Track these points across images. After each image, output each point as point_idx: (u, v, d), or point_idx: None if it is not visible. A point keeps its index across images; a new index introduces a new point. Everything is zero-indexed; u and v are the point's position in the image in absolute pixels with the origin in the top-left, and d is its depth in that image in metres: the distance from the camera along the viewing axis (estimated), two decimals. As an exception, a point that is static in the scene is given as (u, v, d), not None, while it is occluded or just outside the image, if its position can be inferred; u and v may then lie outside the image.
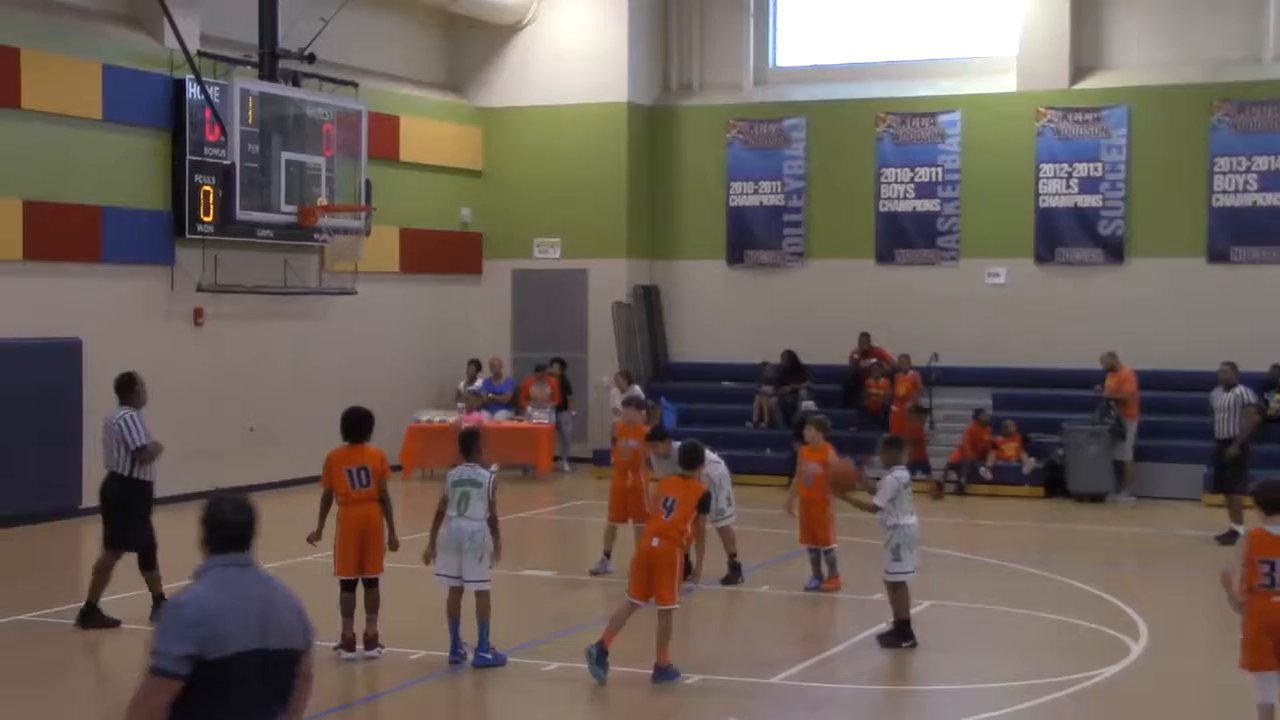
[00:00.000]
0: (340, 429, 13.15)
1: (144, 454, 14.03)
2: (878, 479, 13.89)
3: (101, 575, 13.95)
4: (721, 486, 16.25)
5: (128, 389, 14.41)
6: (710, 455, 15.23)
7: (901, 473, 13.68)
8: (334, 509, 12.94)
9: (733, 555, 16.61)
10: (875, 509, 13.53)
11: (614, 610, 12.71)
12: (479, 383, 27.17)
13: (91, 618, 13.87)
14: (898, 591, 13.56)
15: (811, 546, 16.27)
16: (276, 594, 5.95)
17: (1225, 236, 26.06)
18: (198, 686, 5.59)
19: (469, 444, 12.99)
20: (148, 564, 14.00)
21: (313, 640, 5.95)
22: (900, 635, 13.59)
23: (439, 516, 12.68)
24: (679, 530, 12.45)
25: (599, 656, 12.09)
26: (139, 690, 5.51)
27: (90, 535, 14.43)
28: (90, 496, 16.15)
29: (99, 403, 20.35)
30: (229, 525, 5.88)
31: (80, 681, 13.24)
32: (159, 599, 13.47)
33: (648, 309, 29.17)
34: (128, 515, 13.98)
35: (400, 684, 12.53)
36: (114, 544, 13.99)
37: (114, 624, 13.94)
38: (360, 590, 12.89)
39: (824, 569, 16.27)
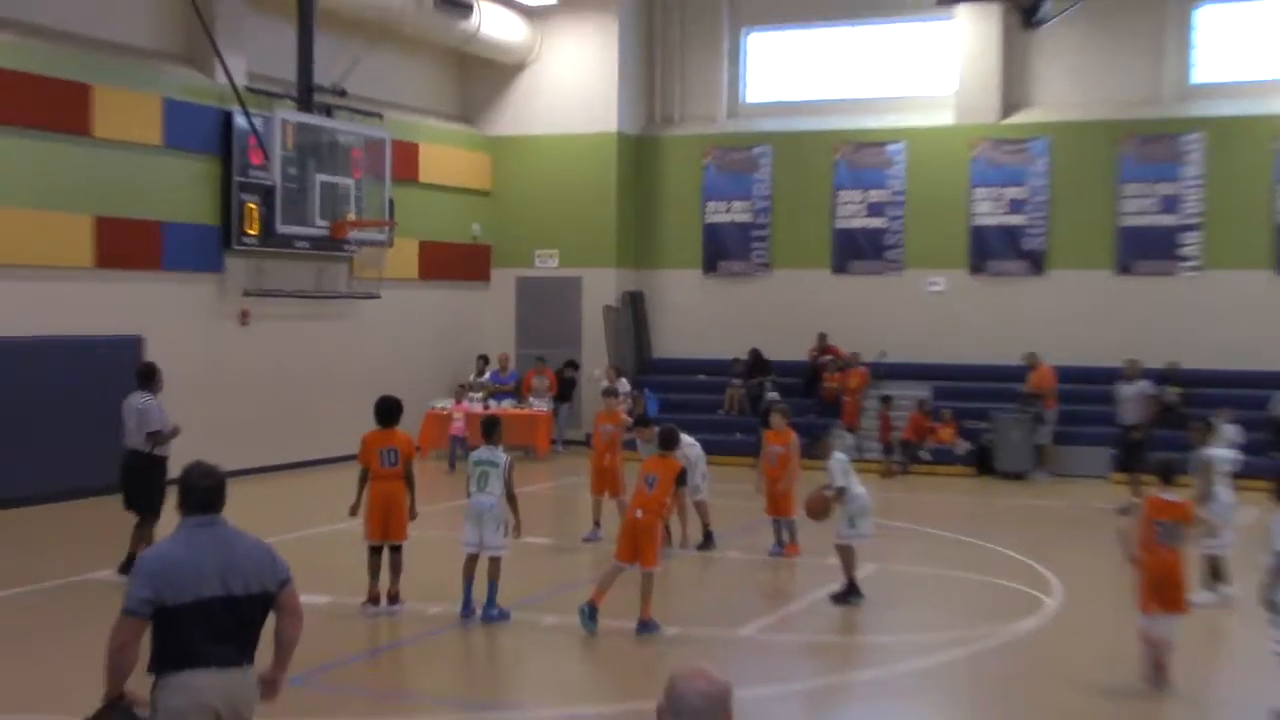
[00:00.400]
0: (374, 414, 13.21)
1: (158, 437, 14.01)
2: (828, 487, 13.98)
3: (143, 536, 13.81)
4: (697, 465, 16.32)
5: (149, 377, 14.44)
6: (686, 438, 15.32)
7: (840, 455, 13.88)
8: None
9: (706, 525, 16.68)
10: (840, 491, 13.62)
11: (603, 572, 12.76)
12: (486, 375, 27.21)
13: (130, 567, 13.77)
14: (846, 554, 13.65)
15: (775, 518, 16.35)
16: (240, 547, 6.09)
17: (1130, 252, 26.14)
18: (168, 627, 5.83)
19: (490, 429, 13.17)
20: (143, 525, 13.94)
21: (285, 580, 6.13)
22: (850, 593, 13.70)
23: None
24: (660, 503, 12.52)
25: (590, 613, 12.16)
26: (113, 627, 5.78)
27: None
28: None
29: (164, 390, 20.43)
30: (194, 491, 6.09)
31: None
32: (132, 558, 13.19)
33: (634, 312, 29.16)
34: (149, 484, 13.95)
35: (418, 635, 12.57)
36: (138, 508, 13.93)
37: None
38: (385, 554, 12.96)
39: (785, 537, 16.33)
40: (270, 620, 6.19)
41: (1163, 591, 10.71)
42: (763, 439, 16.95)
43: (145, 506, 13.90)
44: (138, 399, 14.14)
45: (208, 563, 5.92)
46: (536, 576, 14.69)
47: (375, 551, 12.98)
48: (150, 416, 13.97)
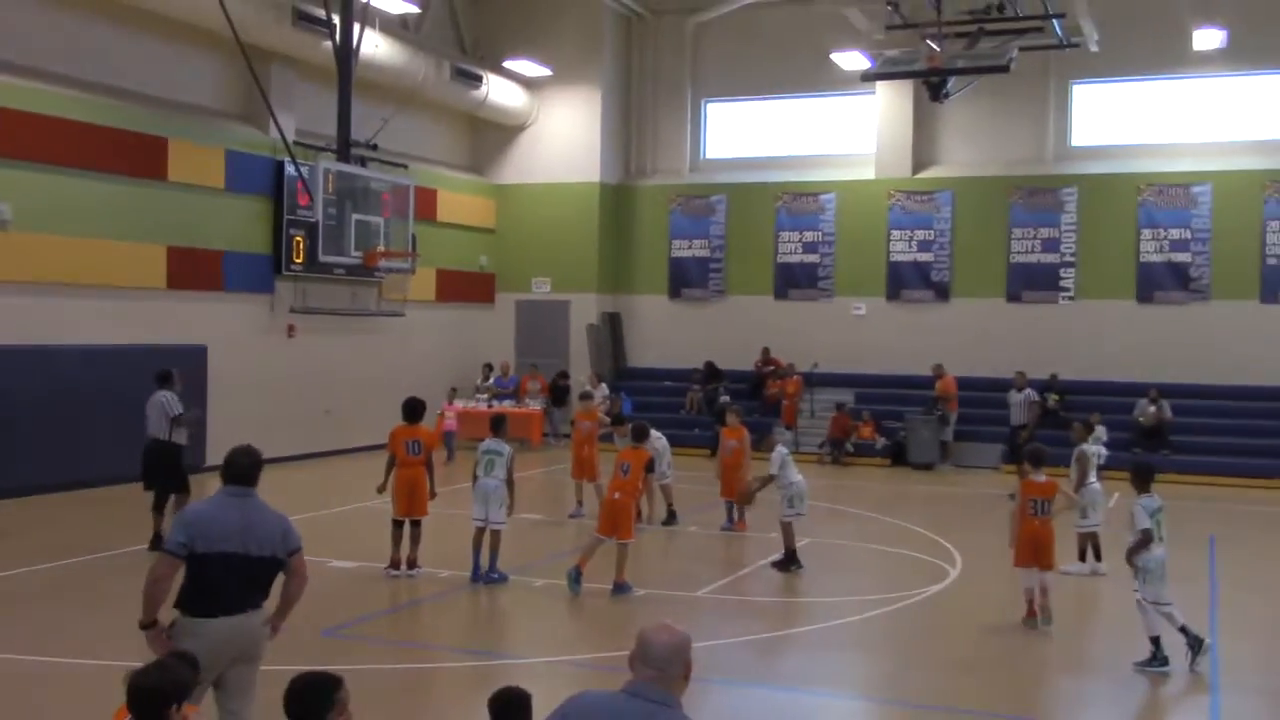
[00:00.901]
0: (402, 411, 13.22)
1: (181, 420, 13.92)
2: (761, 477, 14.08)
3: (163, 510, 13.68)
4: (664, 455, 16.30)
5: (168, 378, 14.17)
6: (655, 433, 15.28)
7: (782, 448, 14.05)
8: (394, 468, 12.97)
9: (670, 504, 16.61)
10: (770, 478, 13.67)
11: (585, 543, 12.71)
12: (491, 379, 27.15)
13: (159, 543, 13.08)
14: (786, 530, 13.65)
15: (727, 499, 16.31)
16: (260, 516, 6.25)
17: (1018, 284, 26.22)
18: (195, 570, 6.05)
19: (498, 425, 13.27)
20: (159, 507, 13.73)
21: (295, 549, 6.25)
22: (789, 562, 13.66)
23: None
24: (633, 486, 12.51)
25: (575, 576, 12.13)
26: (152, 564, 6.12)
27: (199, 487, 14.18)
28: (214, 457, 15.88)
29: (221, 391, 20.33)
30: (233, 466, 6.35)
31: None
32: (159, 536, 13.14)
33: (612, 329, 29.13)
34: (170, 466, 13.75)
35: (432, 595, 12.46)
36: (155, 486, 13.73)
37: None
38: (406, 528, 12.89)
39: (735, 515, 16.30)
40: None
41: (1034, 552, 11.31)
42: (720, 435, 16.93)
43: (169, 486, 13.67)
44: (159, 396, 13.97)
45: (232, 524, 6.11)
46: (530, 547, 14.62)
47: (398, 525, 12.96)
48: (171, 406, 13.86)
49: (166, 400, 13.90)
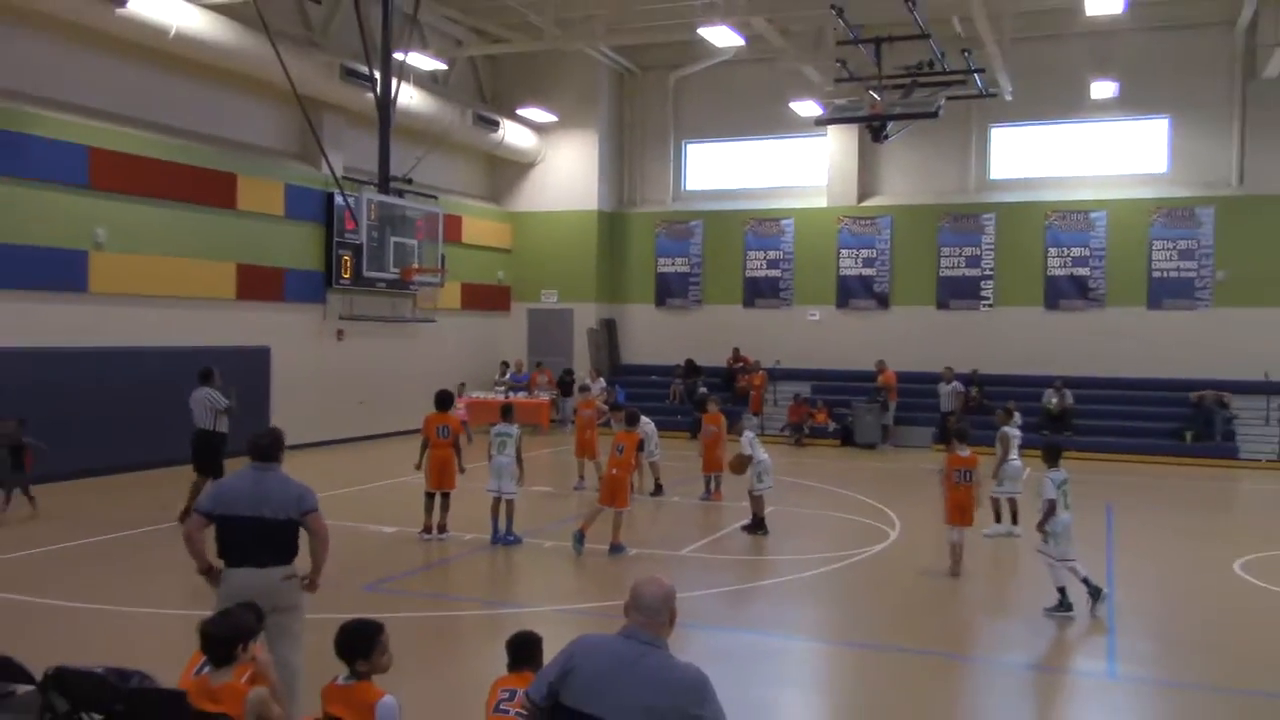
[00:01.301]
0: (434, 401, 13.28)
1: (230, 411, 13.51)
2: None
3: (196, 491, 13.06)
4: (652, 437, 16.25)
5: (209, 376, 13.67)
6: (644, 419, 15.25)
7: (749, 432, 14.03)
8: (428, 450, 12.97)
9: (658, 479, 16.59)
10: (750, 458, 13.62)
11: (588, 511, 12.69)
12: (508, 375, 27.07)
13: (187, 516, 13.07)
14: (756, 500, 13.63)
15: (706, 474, 16.30)
16: (275, 485, 6.21)
17: (946, 294, 26.23)
18: (220, 531, 6.12)
19: (506, 411, 13.27)
20: (200, 488, 13.09)
21: (308, 510, 6.16)
22: (757, 527, 13.65)
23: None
24: (627, 464, 12.50)
25: (579, 538, 12.12)
26: (187, 522, 6.23)
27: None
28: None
29: (282, 386, 20.27)
30: (257, 445, 6.33)
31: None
32: (188, 509, 12.58)
33: (608, 332, 29.07)
34: (214, 454, 13.31)
35: (457, 554, 12.43)
36: (205, 472, 13.23)
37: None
38: (437, 499, 12.87)
39: (712, 487, 16.29)
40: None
41: (960, 513, 11.62)
42: (701, 420, 16.90)
43: (209, 470, 13.23)
44: (201, 392, 13.48)
45: (247, 493, 6.12)
46: (540, 514, 14.58)
47: (430, 497, 12.96)
48: (217, 400, 13.47)
49: (210, 395, 13.50)
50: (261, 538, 6.05)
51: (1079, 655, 9.18)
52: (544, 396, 25.91)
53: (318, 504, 6.26)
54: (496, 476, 12.70)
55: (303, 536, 6.24)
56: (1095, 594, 9.89)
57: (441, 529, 12.91)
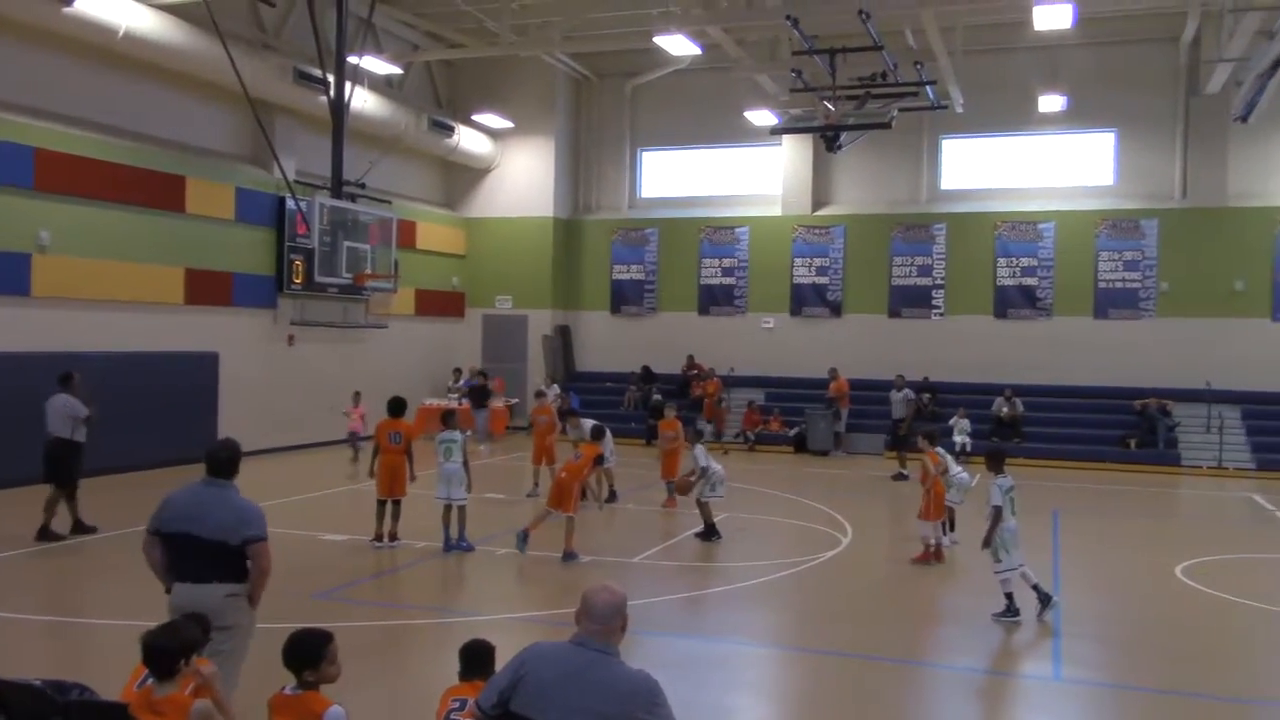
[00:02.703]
0: (386, 408, 13.15)
1: (90, 421, 12.80)
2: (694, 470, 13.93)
3: (52, 507, 12.54)
4: (607, 444, 16.23)
5: (68, 381, 12.83)
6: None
7: (699, 447, 13.99)
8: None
9: (611, 485, 16.56)
10: (704, 470, 13.67)
11: (537, 513, 12.67)
12: (461, 381, 26.89)
13: (45, 534, 12.42)
14: (704, 508, 13.66)
15: (666, 480, 16.32)
16: (216, 506, 5.93)
17: (898, 302, 26.48)
18: (165, 544, 5.96)
19: (449, 417, 13.16)
20: (70, 497, 12.70)
21: (249, 538, 5.85)
22: (709, 533, 13.66)
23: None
24: (578, 470, 12.52)
25: (523, 537, 12.24)
26: (144, 540, 6.03)
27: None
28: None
29: (230, 391, 20.00)
30: (211, 459, 6.10)
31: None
32: (45, 528, 12.42)
33: (563, 339, 29.01)
34: (69, 466, 12.60)
35: (410, 563, 12.32)
36: (59, 483, 12.58)
37: (58, 537, 12.49)
38: (389, 507, 12.77)
39: (671, 492, 16.31)
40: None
41: (941, 509, 12.23)
42: (657, 427, 16.90)
43: (63, 480, 12.56)
44: (60, 399, 12.64)
45: (189, 510, 5.92)
46: (492, 521, 14.48)
47: (381, 504, 12.83)
48: (75, 409, 12.68)
49: (69, 403, 12.64)
50: (201, 555, 5.83)
51: (1026, 659, 9.28)
52: (497, 404, 25.79)
53: (265, 532, 5.95)
54: (445, 483, 12.62)
55: None
56: (1045, 600, 10.01)
57: (393, 537, 12.79)
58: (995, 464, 10.50)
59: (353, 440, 20.84)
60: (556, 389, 25.48)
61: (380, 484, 12.81)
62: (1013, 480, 10.26)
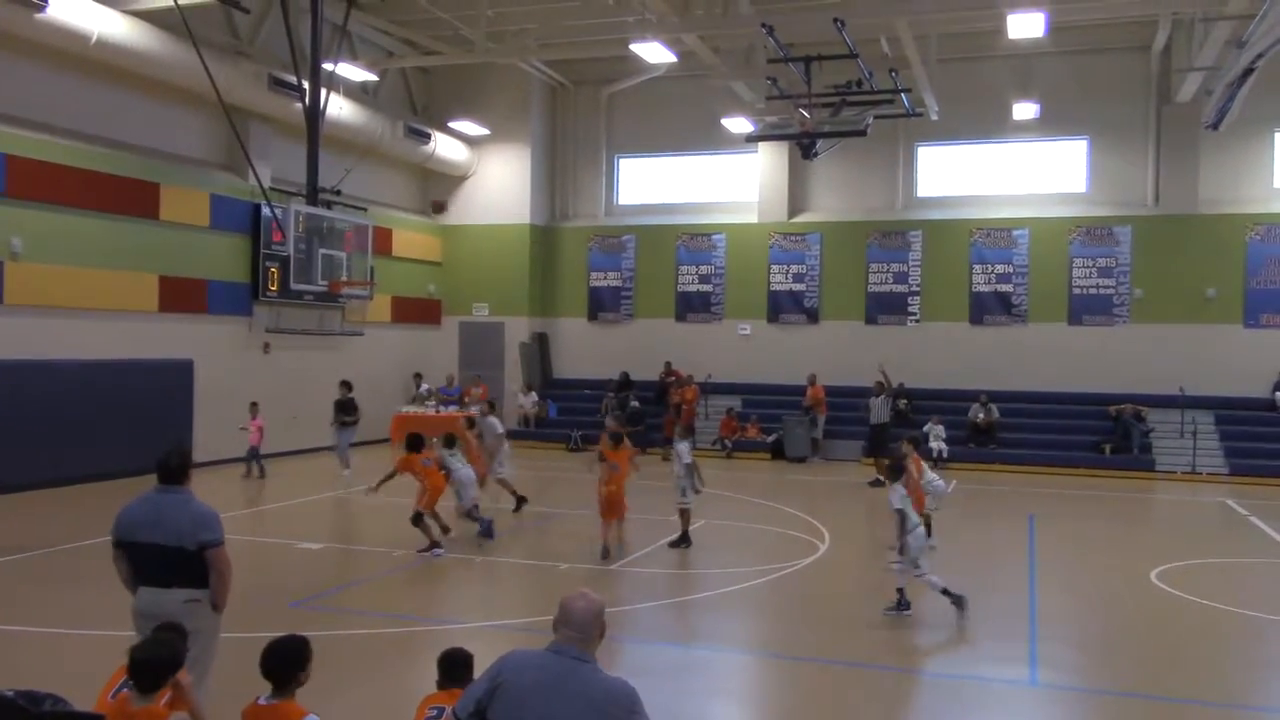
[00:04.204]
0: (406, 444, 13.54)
1: None
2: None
3: None
4: (504, 452, 16.27)
5: None
6: (493, 419, 16.24)
7: (684, 445, 13.80)
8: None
9: (515, 492, 16.14)
10: (691, 465, 13.55)
11: (601, 530, 12.59)
12: (423, 388, 26.76)
13: None
14: (683, 514, 13.61)
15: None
16: (171, 512, 5.94)
17: (875, 309, 26.61)
18: (125, 553, 5.99)
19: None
20: None
21: (205, 543, 5.87)
22: (684, 540, 13.63)
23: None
24: (624, 478, 13.16)
25: (605, 553, 12.77)
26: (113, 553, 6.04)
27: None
28: (200, 456, 15.48)
29: (205, 399, 19.86)
30: (162, 467, 6.10)
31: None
32: None
33: (540, 346, 28.97)
34: None
35: (387, 570, 12.22)
36: None
37: None
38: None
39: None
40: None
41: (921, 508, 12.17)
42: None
43: None
44: None
45: (145, 517, 5.94)
46: (467, 531, 14.42)
47: (419, 520, 13.10)
48: None
49: None
50: (159, 561, 5.84)
51: (1002, 664, 9.33)
52: (476, 411, 25.69)
53: (220, 536, 5.94)
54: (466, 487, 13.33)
55: None
56: (958, 603, 10.20)
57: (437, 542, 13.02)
58: (894, 474, 10.88)
59: (252, 455, 19.33)
60: (534, 396, 25.52)
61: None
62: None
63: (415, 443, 13.29)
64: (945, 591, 10.19)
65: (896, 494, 10.45)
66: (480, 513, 13.46)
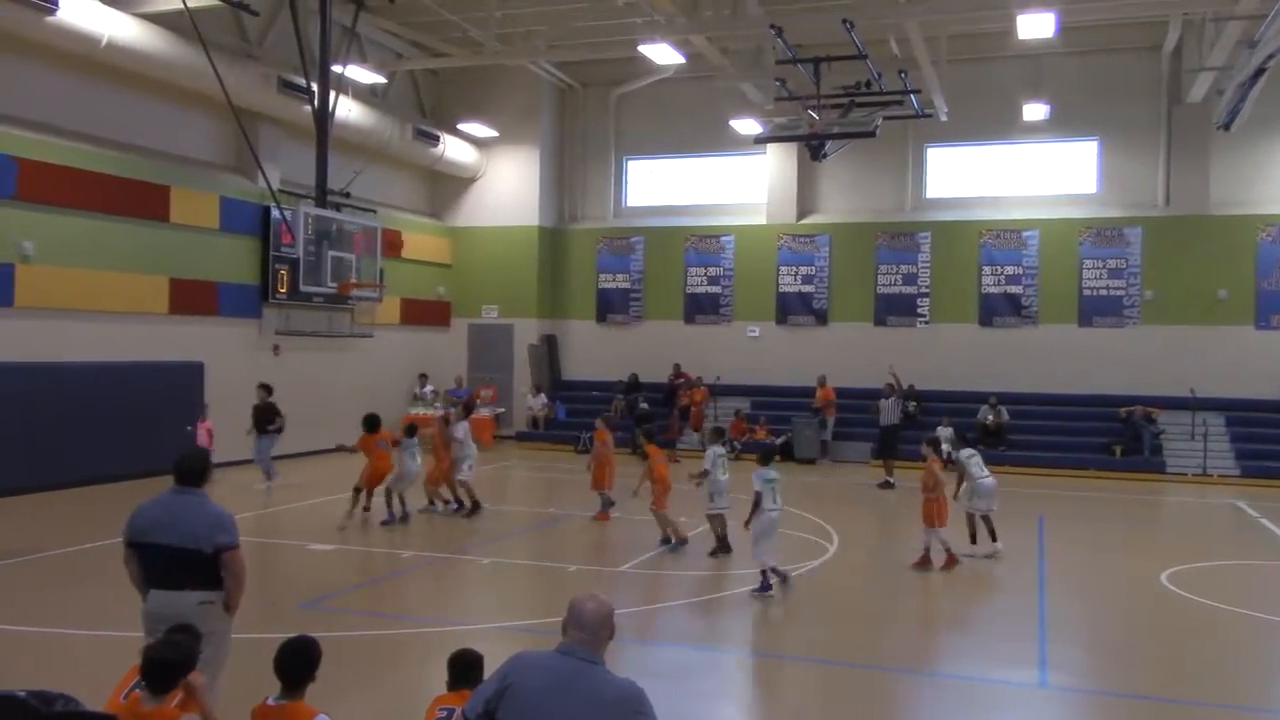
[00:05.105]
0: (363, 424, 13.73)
1: None
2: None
3: None
4: (467, 449, 16.16)
5: None
6: (463, 425, 16.08)
7: (719, 448, 13.22)
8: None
9: (473, 496, 15.92)
10: (706, 472, 13.09)
11: (659, 523, 12.59)
12: (425, 389, 26.77)
13: None
14: (714, 520, 13.25)
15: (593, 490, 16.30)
16: (187, 514, 5.93)
17: (884, 311, 26.57)
18: (137, 554, 5.96)
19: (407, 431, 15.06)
20: None
21: (222, 546, 5.86)
22: (723, 548, 13.25)
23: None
24: (666, 470, 14.04)
25: (669, 543, 13.49)
26: (124, 554, 6.03)
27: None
28: (216, 456, 15.51)
29: (216, 401, 19.91)
30: (180, 468, 6.11)
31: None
32: None
33: (549, 348, 28.99)
34: None
35: (397, 572, 12.26)
36: None
37: None
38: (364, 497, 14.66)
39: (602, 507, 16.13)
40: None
41: (939, 515, 12.46)
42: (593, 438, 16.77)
43: None
44: None
45: (160, 519, 5.92)
46: (474, 530, 14.45)
47: (357, 491, 14.66)
48: None
49: None
50: (173, 563, 5.83)
51: (1012, 666, 9.32)
52: (486, 413, 25.76)
53: (237, 539, 5.96)
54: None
55: None
56: (783, 579, 11.26)
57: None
58: (764, 459, 11.70)
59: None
60: (544, 398, 25.53)
61: (368, 481, 14.74)
62: (777, 474, 11.52)
63: (372, 423, 14.75)
64: (774, 570, 11.04)
65: (758, 478, 11.33)
66: (402, 505, 14.69)
